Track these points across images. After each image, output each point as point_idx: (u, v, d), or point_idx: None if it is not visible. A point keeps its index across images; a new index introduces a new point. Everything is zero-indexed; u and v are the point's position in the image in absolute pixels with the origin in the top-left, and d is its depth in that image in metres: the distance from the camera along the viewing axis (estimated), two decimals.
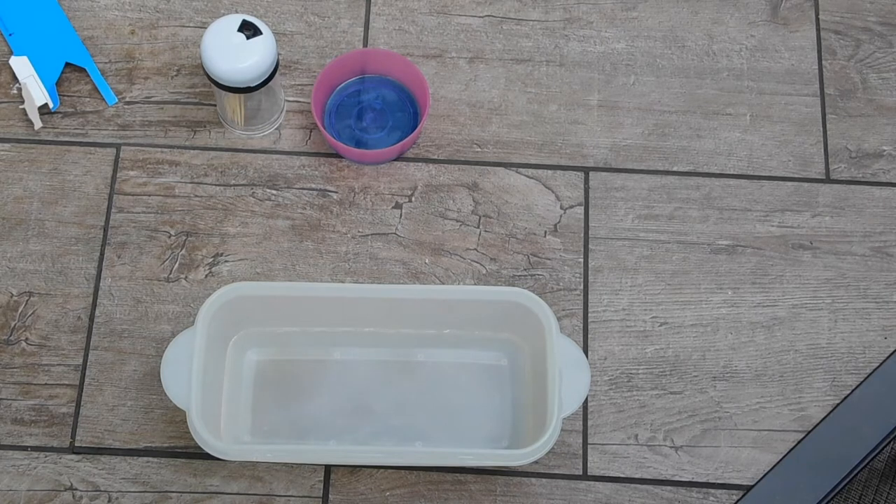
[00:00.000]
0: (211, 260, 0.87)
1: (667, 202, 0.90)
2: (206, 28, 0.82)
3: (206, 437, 0.72)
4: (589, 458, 0.82)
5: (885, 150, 0.92)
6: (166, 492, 0.81)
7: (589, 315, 0.86)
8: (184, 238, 0.88)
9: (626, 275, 0.87)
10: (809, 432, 0.83)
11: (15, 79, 0.92)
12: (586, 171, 0.91)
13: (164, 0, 0.95)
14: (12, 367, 0.84)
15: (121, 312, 0.85)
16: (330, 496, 0.81)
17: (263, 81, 0.83)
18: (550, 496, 0.81)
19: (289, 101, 0.92)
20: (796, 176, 0.91)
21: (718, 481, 0.82)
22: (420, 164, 0.90)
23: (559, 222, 0.89)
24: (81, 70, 0.92)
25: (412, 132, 0.89)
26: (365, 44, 0.94)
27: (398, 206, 0.89)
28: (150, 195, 0.89)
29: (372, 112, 0.92)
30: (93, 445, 0.82)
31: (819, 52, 0.95)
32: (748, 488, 0.82)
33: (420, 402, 0.82)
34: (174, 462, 0.82)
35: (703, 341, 0.86)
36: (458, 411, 0.82)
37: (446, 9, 0.96)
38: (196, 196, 0.89)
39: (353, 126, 0.91)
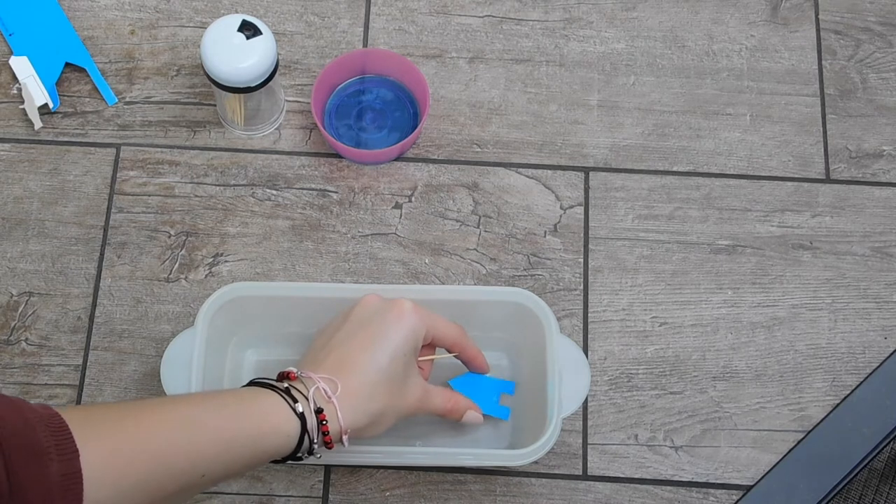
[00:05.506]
0: (211, 260, 0.87)
1: (667, 202, 0.90)
2: (206, 28, 0.82)
3: None
4: (589, 458, 0.82)
5: (885, 150, 0.92)
6: None
7: (589, 315, 0.86)
8: (184, 238, 0.88)
9: (626, 275, 0.87)
10: (809, 432, 0.83)
11: (15, 79, 0.92)
12: (586, 171, 0.91)
13: (164, 0, 0.95)
14: (12, 367, 0.84)
15: (121, 312, 0.85)
16: (330, 496, 0.81)
17: (263, 81, 0.83)
18: (550, 496, 0.81)
19: (289, 101, 0.92)
20: (796, 176, 0.91)
21: (718, 481, 0.82)
22: (420, 164, 0.90)
23: (559, 222, 0.89)
24: (81, 70, 0.92)
25: (412, 132, 0.89)
26: (365, 44, 0.94)
27: (398, 206, 0.89)
28: (150, 195, 0.89)
29: (372, 112, 0.92)
30: None
31: (819, 52, 0.95)
32: (748, 488, 0.82)
33: None
34: None
35: (703, 341, 0.86)
36: None
37: (446, 9, 0.96)
38: (196, 196, 0.89)
39: (353, 126, 0.91)
